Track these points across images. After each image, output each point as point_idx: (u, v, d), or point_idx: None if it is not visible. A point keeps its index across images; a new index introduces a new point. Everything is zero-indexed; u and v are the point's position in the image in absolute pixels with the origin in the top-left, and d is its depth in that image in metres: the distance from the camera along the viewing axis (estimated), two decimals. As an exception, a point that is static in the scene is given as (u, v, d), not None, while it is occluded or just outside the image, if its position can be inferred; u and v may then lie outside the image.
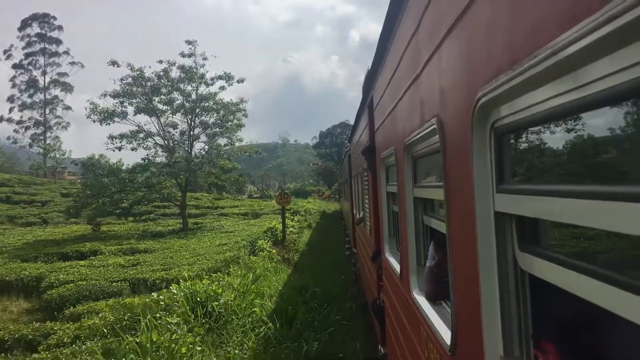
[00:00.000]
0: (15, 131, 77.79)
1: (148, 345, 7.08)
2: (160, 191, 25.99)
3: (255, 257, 15.04)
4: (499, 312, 1.56)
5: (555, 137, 1.26)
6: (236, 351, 7.60)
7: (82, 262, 17.08)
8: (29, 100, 79.55)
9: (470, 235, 1.72)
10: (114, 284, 13.42)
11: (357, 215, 10.59)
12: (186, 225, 26.18)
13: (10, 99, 79.41)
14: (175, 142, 26.52)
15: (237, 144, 26.96)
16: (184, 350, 7.18)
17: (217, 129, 26.61)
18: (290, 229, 21.84)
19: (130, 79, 25.29)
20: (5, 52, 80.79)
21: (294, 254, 18.20)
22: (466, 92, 1.72)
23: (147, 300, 9.64)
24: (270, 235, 19.76)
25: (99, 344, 7.60)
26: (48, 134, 78.32)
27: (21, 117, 78.94)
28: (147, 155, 25.31)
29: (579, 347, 1.81)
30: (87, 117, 24.64)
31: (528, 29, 1.20)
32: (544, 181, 1.36)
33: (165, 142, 26.32)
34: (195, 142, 26.69)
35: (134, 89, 25.37)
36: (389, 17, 3.54)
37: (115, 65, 25.70)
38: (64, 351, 7.94)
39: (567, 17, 0.98)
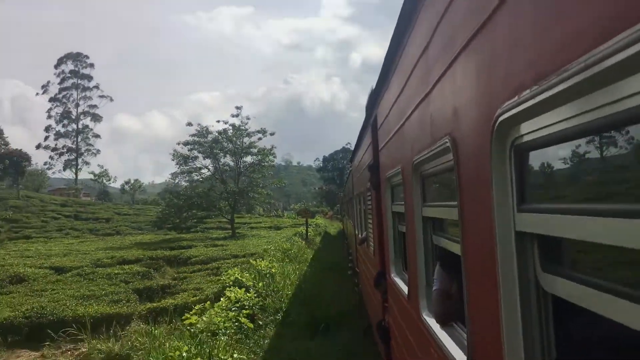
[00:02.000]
0: (51, 157, 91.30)
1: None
2: (219, 210, 38.94)
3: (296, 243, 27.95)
4: (522, 335, 1.55)
5: (581, 155, 1.26)
6: (300, 265, 20.57)
7: (191, 250, 29.58)
8: (62, 130, 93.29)
9: (488, 255, 1.72)
10: (225, 255, 26.00)
11: (360, 236, 10.96)
12: (234, 233, 38.75)
13: (47, 129, 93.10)
14: (227, 176, 39.72)
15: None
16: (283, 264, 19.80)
17: (256, 167, 39.82)
18: (309, 233, 34.68)
19: (197, 133, 38.78)
20: (43, 87, 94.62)
21: (314, 246, 31.08)
22: (484, 110, 1.74)
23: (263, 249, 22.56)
24: (299, 235, 32.55)
25: (250, 260, 20.08)
26: (79, 160, 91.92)
27: (56, 144, 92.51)
28: (211, 184, 38.97)
29: None
30: (172, 160, 38.31)
31: (555, 43, 1.20)
32: (569, 200, 1.36)
33: (221, 175, 39.49)
34: (240, 176, 39.89)
35: (201, 139, 38.96)
36: (396, 37, 3.66)
37: (188, 124, 39.70)
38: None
39: (600, 31, 0.99)
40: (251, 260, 16.67)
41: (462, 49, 1.97)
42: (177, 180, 42.93)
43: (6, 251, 30.45)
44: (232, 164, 39.31)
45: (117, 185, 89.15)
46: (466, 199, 2.07)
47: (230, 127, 38.76)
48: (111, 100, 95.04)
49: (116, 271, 20.72)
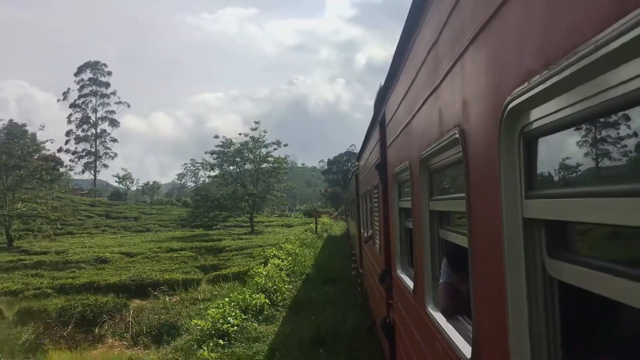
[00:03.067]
0: (71, 160, 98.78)
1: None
2: (241, 209, 46.47)
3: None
4: (527, 321, 1.58)
5: (590, 138, 1.28)
6: (314, 250, 27.84)
7: (223, 242, 36.75)
8: (82, 134, 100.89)
9: (495, 244, 1.75)
10: (252, 245, 33.13)
11: (365, 234, 11.38)
12: (253, 229, 46.09)
13: (67, 133, 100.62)
14: (247, 181, 47.37)
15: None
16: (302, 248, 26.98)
17: (272, 173, 47.34)
18: (318, 229, 42.02)
19: (221, 144, 46.47)
20: (63, 94, 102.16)
21: (322, 239, 38.29)
22: (493, 99, 1.77)
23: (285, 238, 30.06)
24: (310, 231, 39.86)
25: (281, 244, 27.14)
26: (98, 163, 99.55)
27: (75, 148, 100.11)
28: (234, 189, 46.73)
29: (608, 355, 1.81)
30: (201, 168, 46.00)
31: (564, 28, 1.22)
32: (578, 183, 1.39)
33: (242, 180, 47.12)
34: (258, 181, 47.52)
35: (225, 150, 46.37)
36: (405, 32, 3.74)
37: (215, 137, 47.34)
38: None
39: (609, 12, 1.00)
40: (282, 244, 23.83)
41: (471, 40, 2.01)
42: (183, 181, 50.68)
43: (69, 244, 37.66)
44: (249, 167, 47.27)
45: (130, 187, 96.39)
46: (474, 188, 2.10)
47: (250, 140, 46.45)
48: (128, 106, 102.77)
49: (175, 255, 27.95)
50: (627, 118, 1.10)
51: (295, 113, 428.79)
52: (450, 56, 2.41)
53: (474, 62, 2.06)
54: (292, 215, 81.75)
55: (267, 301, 13.10)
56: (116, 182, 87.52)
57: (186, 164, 47.20)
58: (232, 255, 28.03)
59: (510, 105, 1.57)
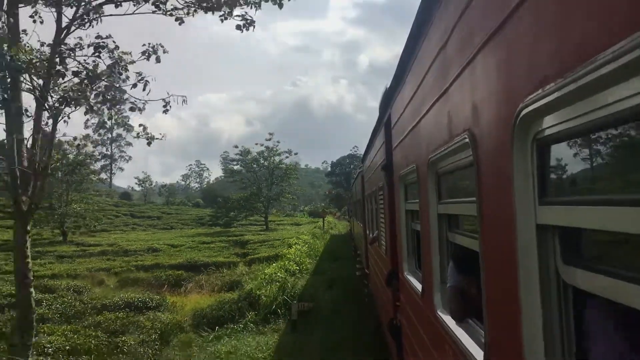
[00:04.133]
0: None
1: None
2: (257, 209, 54.37)
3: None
4: (541, 327, 1.60)
5: (604, 146, 1.30)
6: (323, 241, 35.71)
7: (245, 236, 43.80)
8: (98, 139, 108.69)
9: (508, 249, 1.77)
10: (271, 239, 40.41)
11: (371, 235, 11.41)
12: (267, 227, 53.74)
13: (84, 138, 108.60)
14: (262, 185, 55.38)
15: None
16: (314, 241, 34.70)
17: (284, 178, 55.10)
18: (325, 226, 49.81)
19: (240, 152, 54.50)
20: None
21: (328, 235, 45.45)
22: (505, 104, 1.79)
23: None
24: (318, 228, 47.48)
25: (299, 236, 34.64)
26: (113, 165, 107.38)
27: (92, 152, 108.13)
28: (250, 191, 54.54)
29: None
30: (223, 174, 53.88)
31: (581, 36, 1.24)
32: (592, 191, 1.41)
33: (258, 185, 55.10)
34: (272, 185, 55.37)
35: (242, 157, 54.31)
36: (413, 34, 3.76)
37: (235, 147, 55.32)
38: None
39: (628, 22, 1.02)
40: (300, 236, 31.58)
41: (482, 45, 2.02)
42: (187, 182, 57.61)
43: (113, 238, 44.14)
44: (264, 172, 55.24)
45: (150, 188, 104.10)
46: (486, 193, 2.11)
47: (265, 149, 54.60)
48: (140, 112, 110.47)
49: (212, 245, 35.51)
50: None
51: (299, 114, 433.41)
52: (460, 60, 2.42)
53: (485, 67, 2.06)
54: (298, 215, 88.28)
55: (298, 268, 20.77)
56: (136, 183, 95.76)
57: (191, 165, 54.17)
58: (257, 246, 35.15)
59: (524, 112, 1.58)
